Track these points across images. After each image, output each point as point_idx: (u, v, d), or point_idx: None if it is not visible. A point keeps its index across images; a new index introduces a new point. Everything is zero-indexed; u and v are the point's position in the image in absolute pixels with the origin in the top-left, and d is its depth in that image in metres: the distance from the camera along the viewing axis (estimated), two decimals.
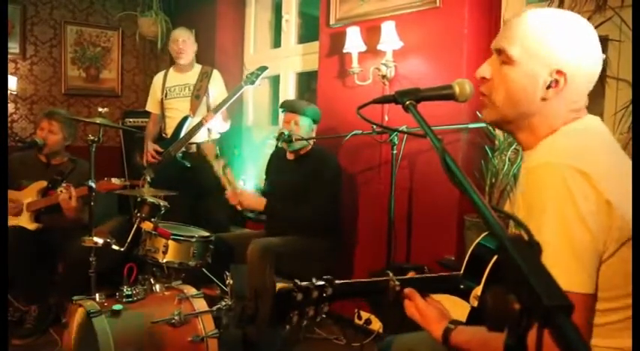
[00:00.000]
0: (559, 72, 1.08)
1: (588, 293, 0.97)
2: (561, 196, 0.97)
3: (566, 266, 0.95)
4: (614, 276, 0.99)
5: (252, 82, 3.39)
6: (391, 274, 1.28)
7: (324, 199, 2.80)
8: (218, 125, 3.57)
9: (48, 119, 3.13)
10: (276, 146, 3.07)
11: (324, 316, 1.20)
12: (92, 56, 4.91)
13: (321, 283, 1.19)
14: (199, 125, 3.44)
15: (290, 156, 3.00)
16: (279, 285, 1.20)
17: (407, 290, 1.26)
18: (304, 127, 2.89)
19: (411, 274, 1.35)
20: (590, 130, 1.12)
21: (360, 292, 1.38)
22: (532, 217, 1.00)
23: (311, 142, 2.94)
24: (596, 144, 1.09)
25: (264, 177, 3.24)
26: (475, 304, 1.24)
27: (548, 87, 1.09)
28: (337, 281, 1.22)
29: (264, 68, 3.44)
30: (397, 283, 1.26)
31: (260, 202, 2.85)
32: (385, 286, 1.27)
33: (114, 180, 2.73)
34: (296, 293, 1.15)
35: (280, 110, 3.00)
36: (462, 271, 1.33)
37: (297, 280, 1.17)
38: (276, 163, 3.15)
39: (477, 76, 1.18)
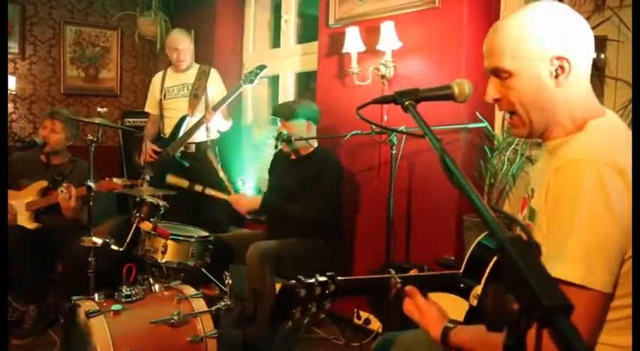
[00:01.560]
0: (559, 58, 1.08)
1: (607, 292, 0.96)
2: (596, 192, 0.96)
3: (592, 262, 0.95)
4: (625, 275, 0.99)
5: (251, 81, 3.39)
6: (393, 272, 1.29)
7: (324, 198, 2.79)
8: (219, 124, 3.57)
9: (51, 119, 3.13)
10: (276, 146, 3.07)
11: (323, 315, 1.20)
12: (91, 56, 4.91)
13: (324, 279, 1.20)
14: (199, 124, 3.43)
15: (293, 156, 3.00)
16: (280, 283, 1.21)
17: (408, 288, 1.26)
18: (298, 129, 2.86)
19: (413, 272, 1.35)
20: (618, 127, 1.12)
21: (362, 289, 1.39)
22: (561, 212, 0.99)
23: (313, 142, 2.94)
24: (625, 141, 1.08)
25: (268, 176, 3.23)
26: (475, 303, 1.24)
27: (556, 76, 1.09)
28: (339, 277, 1.22)
29: (262, 67, 3.44)
30: (399, 280, 1.27)
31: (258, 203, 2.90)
32: (387, 283, 1.27)
33: (115, 180, 2.73)
34: (299, 289, 1.15)
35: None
36: (462, 270, 1.33)
37: (300, 276, 1.17)
38: (280, 163, 3.14)
39: (488, 99, 1.17)
